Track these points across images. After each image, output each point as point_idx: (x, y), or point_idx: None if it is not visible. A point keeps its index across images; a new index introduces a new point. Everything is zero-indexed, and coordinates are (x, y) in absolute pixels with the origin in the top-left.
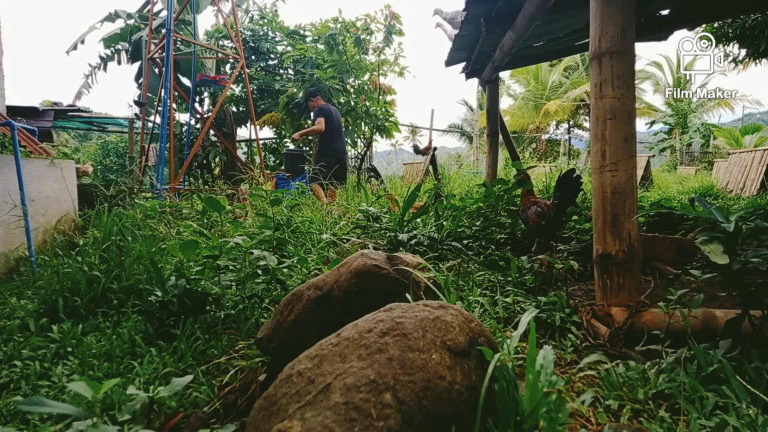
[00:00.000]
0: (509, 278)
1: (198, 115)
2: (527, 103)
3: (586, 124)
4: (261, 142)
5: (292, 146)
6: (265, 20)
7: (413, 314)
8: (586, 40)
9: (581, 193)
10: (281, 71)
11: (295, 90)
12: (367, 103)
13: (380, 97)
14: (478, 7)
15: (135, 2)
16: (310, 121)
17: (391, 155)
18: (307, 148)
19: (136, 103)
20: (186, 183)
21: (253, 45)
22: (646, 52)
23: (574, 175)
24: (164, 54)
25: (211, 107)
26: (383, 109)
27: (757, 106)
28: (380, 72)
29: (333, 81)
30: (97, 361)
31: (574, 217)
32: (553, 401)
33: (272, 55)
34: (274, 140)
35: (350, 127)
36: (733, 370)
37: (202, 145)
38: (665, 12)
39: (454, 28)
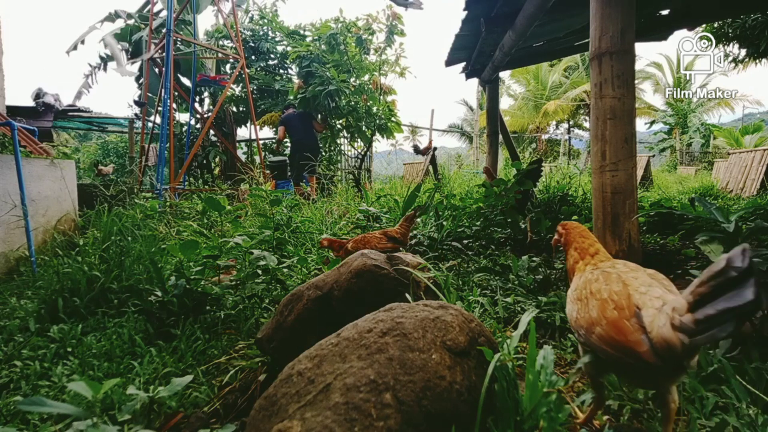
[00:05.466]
0: (510, 278)
1: (198, 115)
2: (527, 103)
3: (586, 124)
4: (261, 142)
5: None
6: (265, 20)
7: (413, 314)
8: (586, 40)
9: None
10: (281, 71)
11: (302, 83)
12: (369, 103)
13: (381, 97)
14: (478, 7)
15: (135, 2)
16: (320, 116)
17: (391, 155)
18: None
19: (136, 103)
20: (186, 183)
21: (253, 45)
22: (646, 52)
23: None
24: (164, 54)
25: (211, 107)
26: (386, 109)
27: (757, 106)
28: (381, 72)
29: (342, 84)
30: (97, 361)
31: (574, 217)
32: (553, 401)
33: (272, 55)
34: (274, 140)
35: (352, 129)
36: (733, 370)
37: (202, 145)
38: (665, 12)
39: None
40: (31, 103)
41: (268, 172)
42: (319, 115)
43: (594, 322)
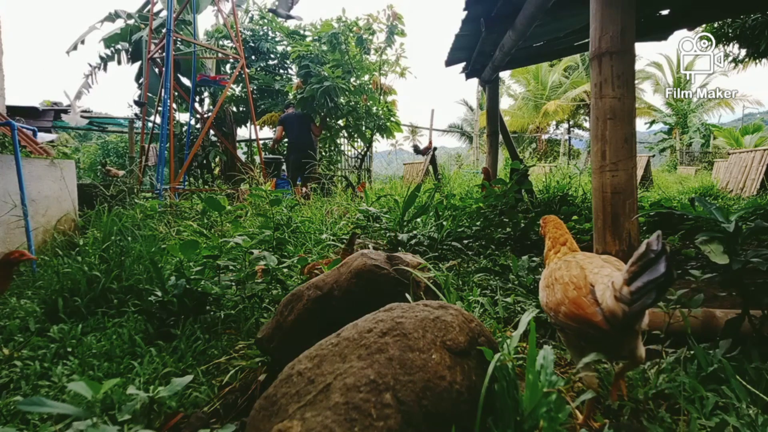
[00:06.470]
0: (510, 278)
1: (198, 115)
2: (527, 103)
3: (586, 124)
4: (261, 142)
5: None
6: (265, 20)
7: (413, 314)
8: (586, 40)
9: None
10: (281, 71)
11: (301, 83)
12: (369, 103)
13: (381, 97)
14: (478, 7)
15: (135, 2)
16: (320, 117)
17: (391, 155)
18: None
19: (136, 103)
20: (186, 183)
21: (253, 45)
22: (646, 52)
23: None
24: (164, 54)
25: (211, 107)
26: (385, 109)
27: (757, 106)
28: (381, 72)
29: (339, 81)
30: (97, 361)
31: (574, 217)
32: (553, 401)
33: (272, 55)
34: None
35: (351, 129)
36: (733, 370)
37: (202, 145)
38: (665, 12)
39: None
40: (31, 103)
41: (264, 172)
42: (319, 116)
43: (559, 302)
